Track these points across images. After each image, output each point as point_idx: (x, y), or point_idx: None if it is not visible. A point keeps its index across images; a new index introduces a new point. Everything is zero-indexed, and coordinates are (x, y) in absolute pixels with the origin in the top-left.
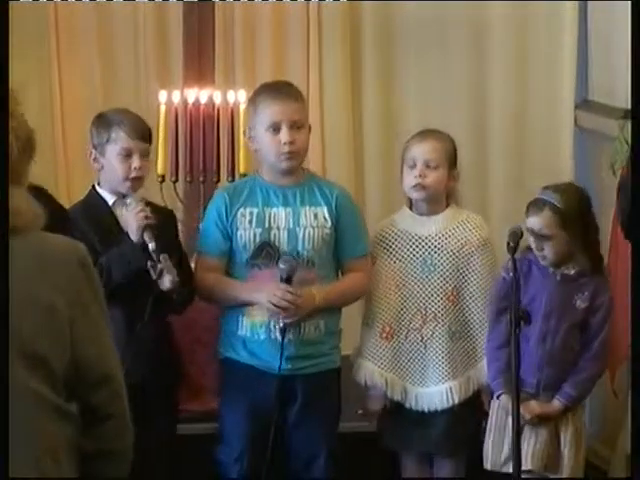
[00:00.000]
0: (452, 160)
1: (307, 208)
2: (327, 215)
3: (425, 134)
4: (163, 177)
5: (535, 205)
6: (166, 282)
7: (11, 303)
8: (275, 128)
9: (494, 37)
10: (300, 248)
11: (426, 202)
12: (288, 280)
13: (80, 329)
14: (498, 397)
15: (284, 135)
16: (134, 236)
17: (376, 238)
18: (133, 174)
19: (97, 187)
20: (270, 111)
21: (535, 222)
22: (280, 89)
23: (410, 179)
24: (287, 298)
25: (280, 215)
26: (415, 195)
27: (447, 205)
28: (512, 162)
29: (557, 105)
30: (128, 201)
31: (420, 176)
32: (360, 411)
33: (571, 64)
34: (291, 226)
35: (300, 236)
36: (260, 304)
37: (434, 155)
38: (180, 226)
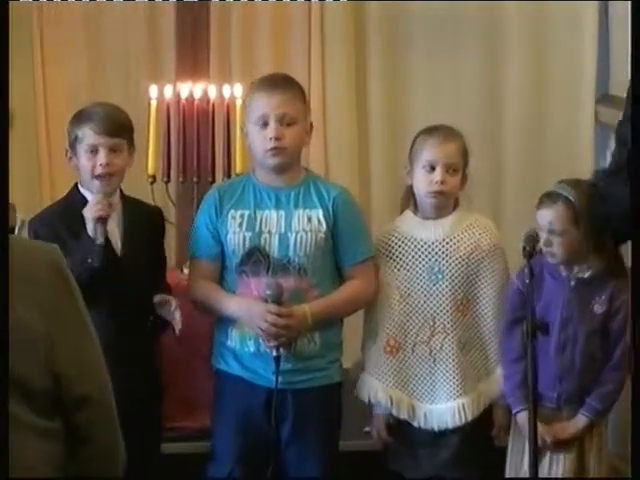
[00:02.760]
0: (466, 162)
1: (301, 211)
2: (322, 218)
3: (443, 133)
4: (154, 177)
5: (548, 197)
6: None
7: None
8: (263, 122)
9: (509, 31)
10: (291, 254)
11: (438, 207)
12: (278, 302)
13: (58, 347)
14: (516, 414)
15: (270, 130)
16: (90, 230)
17: (378, 245)
18: (98, 171)
19: (79, 185)
20: (258, 103)
21: (546, 215)
22: (273, 80)
23: (427, 184)
24: (278, 324)
25: (272, 218)
26: (432, 201)
27: (454, 207)
28: (528, 162)
29: (577, 101)
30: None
31: (441, 182)
32: (367, 429)
33: (591, 57)
34: (283, 230)
35: (292, 241)
36: (248, 326)
37: (456, 159)
38: (173, 230)
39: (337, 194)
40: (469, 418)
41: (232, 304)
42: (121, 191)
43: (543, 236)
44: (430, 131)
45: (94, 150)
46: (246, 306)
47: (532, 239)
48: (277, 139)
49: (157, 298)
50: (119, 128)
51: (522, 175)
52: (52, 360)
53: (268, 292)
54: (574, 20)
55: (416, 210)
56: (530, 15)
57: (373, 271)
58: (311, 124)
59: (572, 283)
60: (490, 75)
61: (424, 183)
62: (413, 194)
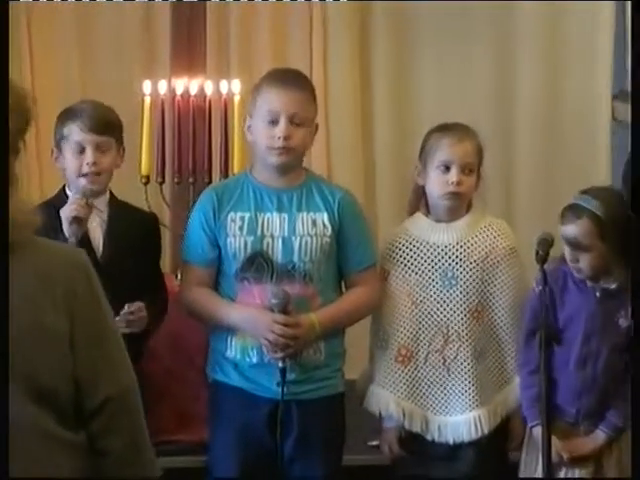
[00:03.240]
0: (481, 161)
1: (304, 214)
2: (327, 222)
3: (458, 132)
4: (148, 178)
5: (572, 212)
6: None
7: (15, 331)
8: (272, 119)
9: (522, 26)
10: (296, 259)
11: (452, 209)
12: (284, 311)
13: (78, 349)
14: (532, 428)
15: (280, 128)
16: (65, 230)
17: (387, 249)
18: (85, 169)
19: (66, 187)
20: (269, 99)
21: (571, 231)
22: (287, 76)
23: (442, 185)
24: (286, 334)
25: (274, 221)
26: (447, 203)
27: (467, 210)
28: (541, 162)
29: (592, 97)
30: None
31: (457, 183)
32: (373, 442)
33: (608, 52)
34: (286, 234)
35: (296, 246)
36: (253, 337)
37: (472, 159)
38: (167, 234)
39: (342, 196)
40: (486, 430)
41: (234, 313)
42: (112, 194)
43: (568, 251)
44: (444, 129)
45: (81, 148)
46: (250, 316)
47: (545, 243)
48: (285, 138)
49: (127, 306)
50: (107, 126)
51: (535, 176)
52: (73, 364)
53: (274, 301)
54: (590, 15)
55: (428, 212)
56: (544, 9)
57: (377, 278)
58: (316, 126)
59: (598, 294)
60: (501, 72)
61: (438, 184)
62: (424, 195)
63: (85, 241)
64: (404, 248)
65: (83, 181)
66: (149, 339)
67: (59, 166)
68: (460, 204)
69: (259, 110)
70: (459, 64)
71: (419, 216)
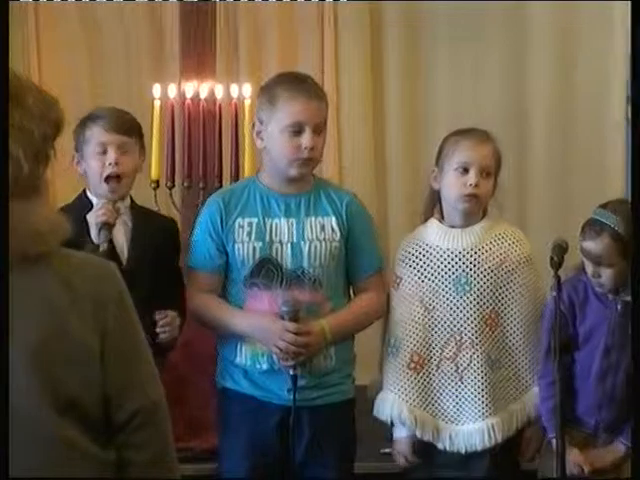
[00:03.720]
0: (499, 166)
1: (313, 219)
2: (336, 226)
3: (477, 135)
4: (157, 182)
5: (591, 228)
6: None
7: (38, 340)
8: (296, 130)
9: (535, 26)
10: (305, 265)
11: (467, 213)
12: (295, 319)
13: (108, 364)
14: (550, 440)
15: (306, 139)
16: (93, 236)
17: (401, 255)
18: (108, 171)
19: (87, 191)
20: (293, 109)
21: (592, 247)
22: (305, 84)
23: (460, 188)
24: (297, 342)
25: (282, 227)
26: (464, 206)
27: (483, 216)
28: (555, 164)
29: (607, 98)
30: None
31: (476, 186)
32: (387, 450)
33: (622, 51)
34: (295, 240)
35: (305, 251)
36: (264, 345)
37: (491, 161)
38: None
39: (349, 200)
40: (499, 439)
41: (244, 321)
42: (132, 199)
43: (589, 266)
44: (463, 133)
45: (103, 150)
46: (260, 324)
47: (560, 249)
48: (312, 149)
49: (157, 315)
50: (129, 126)
51: (549, 179)
52: (102, 378)
53: (285, 308)
54: (604, 15)
55: (442, 218)
56: (557, 8)
57: (384, 283)
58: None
59: (619, 307)
60: (515, 73)
61: (456, 186)
62: (439, 200)
63: (110, 246)
64: (417, 254)
65: (105, 185)
66: (174, 348)
67: (80, 171)
68: (476, 208)
69: (279, 119)
70: (472, 65)
71: (433, 222)
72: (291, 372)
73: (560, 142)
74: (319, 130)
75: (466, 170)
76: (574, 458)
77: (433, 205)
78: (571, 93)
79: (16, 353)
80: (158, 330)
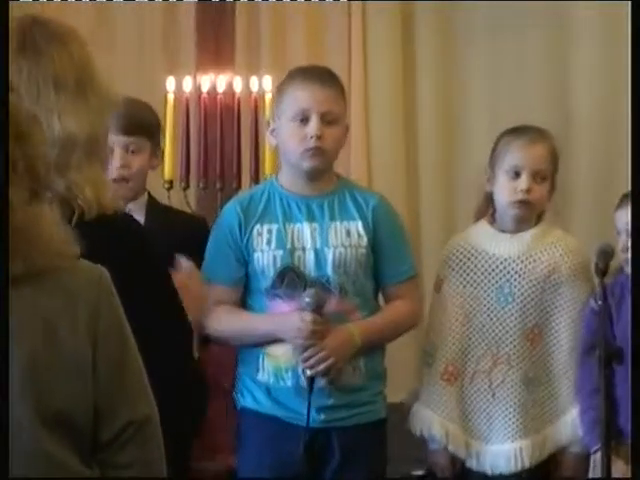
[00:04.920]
0: (556, 168)
1: (337, 223)
2: (362, 231)
3: (532, 135)
4: (171, 183)
5: (625, 197)
6: None
7: (28, 350)
8: (302, 118)
9: (579, 13)
10: (330, 273)
11: (520, 219)
12: (318, 313)
13: (99, 375)
14: (594, 454)
15: (312, 127)
16: None
17: (445, 257)
18: (114, 174)
19: None
20: (297, 97)
21: (625, 217)
22: (313, 72)
23: (511, 193)
24: (318, 329)
25: (304, 232)
26: (515, 212)
27: (537, 221)
28: (601, 163)
29: None
30: None
31: (528, 191)
32: (419, 472)
33: None
34: (318, 246)
35: (330, 258)
36: (284, 339)
37: (544, 165)
38: None
39: (377, 203)
40: (527, 464)
41: (266, 321)
42: (150, 196)
43: (622, 240)
44: (515, 132)
45: (109, 150)
46: (281, 318)
47: (606, 255)
48: (319, 138)
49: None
50: (139, 125)
51: (594, 181)
52: (93, 390)
53: (307, 299)
54: None
55: (493, 221)
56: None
57: (418, 291)
58: (347, 127)
59: None
60: (558, 69)
61: (507, 191)
62: (492, 203)
63: None
64: (461, 257)
65: (114, 187)
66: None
67: None
68: (529, 214)
69: (287, 110)
70: (511, 58)
71: (483, 224)
72: (308, 373)
73: (607, 143)
74: (330, 119)
75: (518, 174)
76: (620, 469)
77: (487, 207)
78: (617, 86)
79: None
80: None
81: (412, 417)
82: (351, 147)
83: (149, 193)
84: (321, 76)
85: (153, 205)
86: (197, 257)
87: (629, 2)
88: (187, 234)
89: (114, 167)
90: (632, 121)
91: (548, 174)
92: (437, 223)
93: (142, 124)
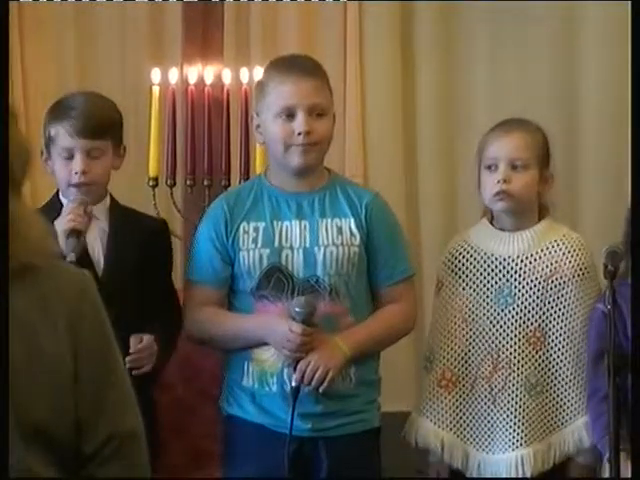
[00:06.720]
0: (545, 157)
1: (328, 221)
2: (355, 229)
3: (508, 125)
4: (156, 180)
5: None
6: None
7: (10, 359)
8: (288, 114)
9: (586, 18)
10: (320, 273)
11: (512, 214)
12: (308, 323)
13: (81, 384)
14: (608, 461)
15: (300, 123)
16: (61, 244)
17: (445, 258)
18: (74, 180)
19: (60, 193)
20: (281, 92)
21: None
22: (295, 63)
23: (490, 186)
24: (307, 340)
25: (293, 230)
26: (499, 206)
27: (540, 218)
28: (609, 160)
29: None
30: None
31: (504, 181)
32: None
33: None
34: (307, 245)
35: (319, 258)
36: (270, 345)
37: (521, 153)
38: (179, 244)
39: (370, 199)
40: (528, 474)
41: (253, 323)
42: (112, 199)
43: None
44: (497, 125)
45: (69, 154)
46: (269, 323)
47: (615, 256)
48: (308, 134)
49: (132, 339)
50: (100, 128)
51: (603, 176)
52: (75, 401)
53: (297, 309)
54: None
55: (493, 219)
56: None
57: (414, 293)
58: (334, 116)
59: None
60: (563, 65)
61: (488, 185)
62: None
63: (84, 256)
64: (460, 257)
65: (73, 190)
66: (160, 375)
67: (49, 170)
68: (514, 206)
69: (271, 106)
70: (515, 51)
71: (484, 223)
72: (293, 383)
73: (615, 136)
74: (317, 112)
75: (496, 166)
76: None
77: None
78: (627, 81)
79: None
80: (128, 360)
81: (408, 426)
82: (347, 147)
83: (111, 195)
84: (304, 66)
85: (116, 208)
86: (162, 262)
87: (629, 2)
88: (150, 236)
89: (74, 173)
90: (632, 120)
91: (530, 163)
92: (437, 223)
93: (105, 126)
